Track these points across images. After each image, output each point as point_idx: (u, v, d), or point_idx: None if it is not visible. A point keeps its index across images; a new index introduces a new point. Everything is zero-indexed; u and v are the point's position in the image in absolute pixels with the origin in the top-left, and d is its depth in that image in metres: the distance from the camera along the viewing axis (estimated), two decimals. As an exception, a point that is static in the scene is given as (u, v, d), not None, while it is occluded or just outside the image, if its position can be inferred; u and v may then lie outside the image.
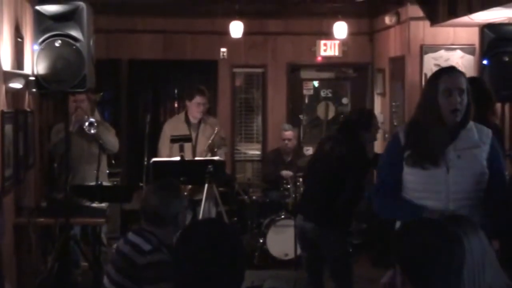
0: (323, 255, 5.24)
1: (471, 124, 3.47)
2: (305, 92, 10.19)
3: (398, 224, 3.58)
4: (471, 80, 3.64)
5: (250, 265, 7.23)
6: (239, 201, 8.35)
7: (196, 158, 6.50)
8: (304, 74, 10.16)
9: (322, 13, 9.06)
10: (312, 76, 10.24)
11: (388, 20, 8.57)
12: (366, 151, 5.28)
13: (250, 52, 9.69)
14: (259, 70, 9.90)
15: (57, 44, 5.03)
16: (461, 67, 3.74)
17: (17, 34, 5.71)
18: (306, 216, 5.29)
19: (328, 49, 9.68)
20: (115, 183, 7.58)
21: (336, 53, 9.71)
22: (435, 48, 8.08)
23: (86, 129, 6.19)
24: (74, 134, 6.13)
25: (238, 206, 8.41)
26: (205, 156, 6.50)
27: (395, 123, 8.53)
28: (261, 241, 7.71)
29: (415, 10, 7.97)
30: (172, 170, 6.08)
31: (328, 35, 9.32)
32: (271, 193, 8.09)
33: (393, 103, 8.75)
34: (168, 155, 6.52)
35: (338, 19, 8.92)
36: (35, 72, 5.07)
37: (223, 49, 9.58)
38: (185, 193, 5.48)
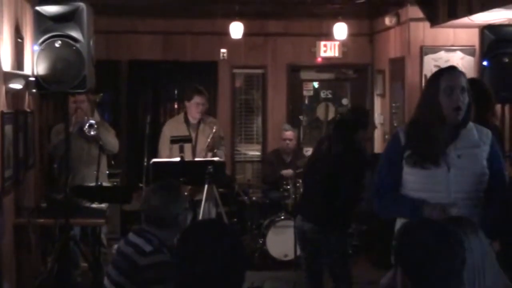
0: (323, 256, 5.24)
1: (471, 124, 3.48)
2: (305, 93, 10.20)
3: (398, 225, 3.57)
4: (471, 81, 3.64)
5: (250, 266, 7.23)
6: (239, 202, 8.35)
7: (196, 159, 6.49)
8: (304, 75, 10.17)
9: (322, 14, 9.07)
10: (312, 77, 10.25)
11: (388, 21, 8.58)
12: (363, 149, 5.27)
13: (250, 53, 9.70)
14: (259, 71, 9.90)
15: (57, 45, 5.03)
16: (461, 68, 3.74)
17: (17, 34, 5.71)
18: (305, 217, 5.29)
19: (328, 50, 9.69)
20: (115, 183, 7.58)
21: (336, 54, 9.72)
22: (435, 49, 8.08)
23: (86, 131, 6.19)
24: (74, 135, 6.13)
25: (238, 207, 8.42)
26: (205, 155, 6.49)
27: (395, 124, 8.53)
28: (260, 242, 7.72)
29: (415, 11, 7.97)
30: (172, 171, 6.07)
31: (328, 36, 9.32)
32: (271, 194, 8.09)
33: (393, 104, 8.75)
34: (168, 156, 6.52)
35: (338, 20, 8.93)
36: (35, 73, 5.07)
37: (223, 50, 9.59)
38: (186, 193, 5.46)
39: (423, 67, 8.05)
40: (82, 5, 5.08)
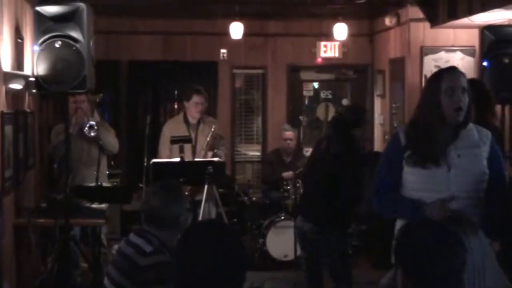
0: (323, 256, 5.25)
1: (471, 125, 3.48)
2: (305, 93, 10.20)
3: (397, 225, 3.58)
4: (471, 81, 3.64)
5: (250, 266, 7.23)
6: (239, 202, 8.35)
7: (196, 159, 6.49)
8: (304, 75, 10.17)
9: (322, 15, 9.07)
10: (312, 77, 10.25)
11: (388, 21, 8.58)
12: (360, 147, 5.26)
13: (250, 53, 9.70)
14: (259, 71, 9.90)
15: (57, 45, 5.03)
16: (461, 69, 3.74)
17: (17, 35, 5.72)
18: (305, 217, 5.29)
19: (328, 50, 9.69)
20: (115, 184, 7.58)
21: (336, 54, 9.72)
22: (435, 49, 8.08)
23: (86, 132, 6.19)
24: (74, 135, 6.13)
25: (238, 207, 8.42)
26: (204, 154, 6.50)
27: (395, 124, 8.53)
28: (260, 242, 7.72)
29: (415, 12, 7.97)
30: (172, 171, 6.07)
31: (328, 37, 9.32)
32: (271, 194, 8.09)
33: (393, 105, 8.75)
34: (168, 156, 6.52)
35: (338, 21, 8.93)
36: (35, 73, 5.07)
37: (223, 50, 9.59)
38: (186, 193, 5.47)
39: (423, 67, 8.05)
40: (82, 5, 5.08)
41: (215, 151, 6.55)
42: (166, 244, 3.38)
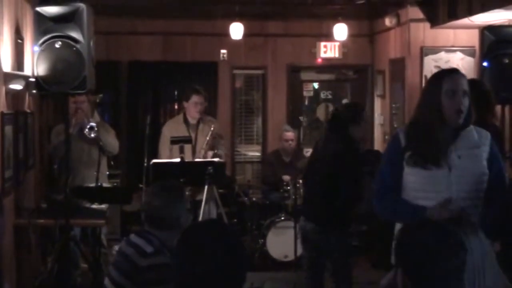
0: (323, 256, 5.25)
1: (471, 126, 3.48)
2: (305, 93, 10.21)
3: (397, 225, 3.57)
4: (471, 82, 3.64)
5: (250, 267, 7.23)
6: (239, 202, 8.35)
7: (196, 160, 6.49)
8: (304, 75, 10.18)
9: (322, 15, 9.07)
10: (312, 77, 10.26)
11: (388, 21, 8.58)
12: (358, 146, 5.24)
13: (250, 53, 9.70)
14: (259, 71, 9.91)
15: (57, 46, 5.03)
16: (461, 69, 3.75)
17: (17, 35, 5.72)
18: (306, 217, 5.29)
19: (328, 50, 9.69)
20: (115, 184, 7.59)
21: (336, 55, 9.72)
22: (435, 50, 8.08)
23: (87, 133, 6.19)
24: (74, 136, 6.13)
25: (238, 207, 8.42)
26: (204, 154, 6.50)
27: (395, 125, 8.53)
28: (260, 242, 7.72)
29: (415, 12, 7.98)
30: (172, 172, 6.07)
31: (328, 37, 9.33)
32: (271, 195, 8.09)
33: (393, 105, 8.75)
34: (168, 157, 6.52)
35: (338, 21, 8.93)
36: (35, 74, 5.07)
37: (223, 51, 9.59)
38: (187, 193, 5.47)
39: (423, 67, 8.06)
40: (82, 5, 5.08)
41: (215, 151, 6.55)
42: (166, 244, 3.39)
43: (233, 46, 9.41)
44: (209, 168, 6.17)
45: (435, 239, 2.11)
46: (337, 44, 9.58)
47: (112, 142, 6.49)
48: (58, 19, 5.07)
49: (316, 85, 10.27)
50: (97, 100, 7.47)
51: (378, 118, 9.46)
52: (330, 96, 10.16)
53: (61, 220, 5.35)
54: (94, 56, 5.28)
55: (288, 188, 7.75)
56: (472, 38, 7.76)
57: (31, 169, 6.42)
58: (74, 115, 6.19)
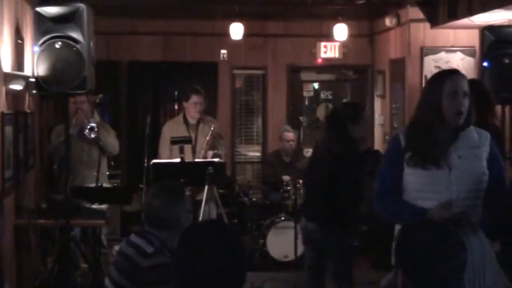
0: (325, 256, 5.25)
1: (471, 127, 3.48)
2: (305, 93, 10.21)
3: (397, 226, 3.57)
4: (471, 82, 3.64)
5: (250, 267, 7.23)
6: (239, 203, 8.35)
7: (196, 160, 6.50)
8: (304, 75, 10.18)
9: (322, 15, 9.07)
10: (312, 78, 10.26)
11: (388, 22, 8.58)
12: (358, 146, 5.24)
13: (250, 53, 9.70)
14: (259, 71, 9.91)
15: (57, 46, 5.03)
16: (461, 69, 3.76)
17: (18, 35, 5.72)
18: (307, 217, 5.30)
19: (328, 51, 9.69)
20: (115, 184, 7.59)
21: (336, 55, 9.72)
22: (435, 50, 8.08)
23: (87, 134, 6.20)
24: (74, 137, 6.13)
25: (238, 208, 8.42)
26: (204, 154, 6.50)
27: (395, 125, 8.53)
28: (261, 242, 7.72)
29: (415, 12, 7.98)
30: (172, 172, 6.07)
31: (328, 37, 9.32)
32: (271, 195, 8.09)
33: (393, 105, 8.75)
34: (168, 157, 6.52)
35: (338, 21, 8.93)
36: (35, 74, 5.08)
37: (223, 51, 9.59)
38: (187, 193, 5.46)
39: (423, 68, 8.05)
40: (82, 6, 5.08)
41: (215, 151, 6.55)
42: (167, 244, 3.38)
43: (233, 46, 9.41)
44: (209, 168, 6.17)
45: (435, 239, 2.11)
46: (337, 44, 9.58)
47: (112, 142, 6.49)
48: (58, 19, 5.07)
49: (316, 85, 10.27)
50: (97, 100, 7.47)
51: (378, 118, 9.46)
52: (330, 96, 10.16)
53: (61, 220, 5.35)
54: (94, 56, 5.28)
55: (288, 188, 7.75)
56: (472, 38, 7.75)
57: (31, 169, 6.42)
58: (74, 116, 6.19)
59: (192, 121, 6.73)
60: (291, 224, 7.10)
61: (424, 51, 8.09)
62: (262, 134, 9.95)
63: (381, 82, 9.37)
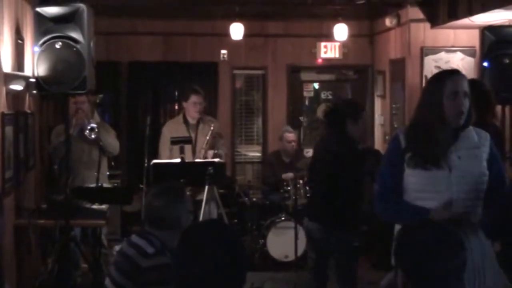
0: (325, 256, 5.25)
1: (470, 127, 3.48)
2: (305, 94, 10.21)
3: (397, 226, 3.57)
4: (471, 82, 3.64)
5: (250, 267, 7.23)
6: (239, 203, 8.35)
7: (197, 160, 6.50)
8: (304, 76, 10.18)
9: (322, 15, 9.07)
10: (313, 78, 10.26)
11: (388, 22, 8.58)
12: (356, 144, 5.23)
13: (251, 54, 9.70)
14: (260, 72, 9.90)
15: (57, 46, 5.03)
16: (461, 69, 3.76)
17: (18, 36, 5.72)
18: (310, 218, 5.30)
19: (329, 51, 9.69)
20: (115, 185, 7.58)
21: (337, 55, 9.72)
22: (435, 50, 8.08)
23: (87, 134, 6.19)
24: (74, 137, 6.13)
25: (238, 208, 8.42)
26: (204, 154, 6.50)
27: (395, 125, 8.53)
28: (261, 243, 7.72)
29: (416, 12, 7.98)
30: (172, 172, 6.07)
31: (329, 37, 9.32)
32: (271, 195, 8.09)
33: (394, 105, 8.75)
34: (168, 157, 6.52)
35: (339, 21, 8.93)
36: (36, 74, 5.08)
37: (223, 51, 9.59)
38: (188, 193, 5.46)
39: (423, 68, 8.05)
40: (82, 6, 5.08)
41: (216, 151, 6.55)
42: (167, 245, 3.39)
43: (233, 46, 9.41)
44: (210, 168, 6.16)
45: (435, 239, 2.12)
46: (337, 44, 9.58)
47: (112, 142, 6.49)
48: (58, 20, 5.07)
49: (316, 85, 10.27)
50: (97, 101, 7.47)
51: (378, 118, 9.46)
52: (330, 97, 10.16)
53: (61, 220, 5.35)
54: (94, 57, 5.29)
55: (289, 188, 7.75)
56: (472, 38, 7.75)
57: (32, 169, 6.42)
58: (74, 116, 6.19)
59: (192, 121, 6.74)
60: (291, 224, 7.10)
61: (424, 51, 8.09)
62: (262, 134, 9.94)
63: (381, 82, 9.37)
